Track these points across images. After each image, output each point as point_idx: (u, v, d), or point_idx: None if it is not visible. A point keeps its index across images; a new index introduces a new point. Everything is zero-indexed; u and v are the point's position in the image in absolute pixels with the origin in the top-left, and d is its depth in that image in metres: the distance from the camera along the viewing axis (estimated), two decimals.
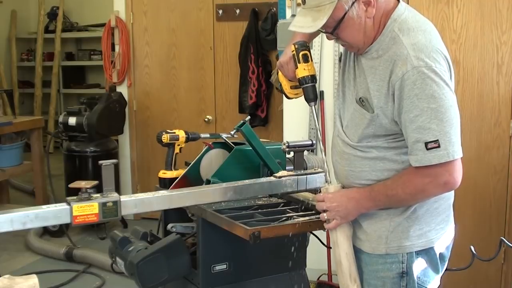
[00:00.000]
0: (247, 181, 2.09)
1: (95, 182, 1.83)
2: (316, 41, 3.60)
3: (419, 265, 1.75)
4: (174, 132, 2.58)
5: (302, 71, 1.87)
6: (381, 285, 1.78)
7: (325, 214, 1.78)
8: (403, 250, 1.75)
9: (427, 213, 1.75)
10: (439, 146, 1.58)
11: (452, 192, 1.81)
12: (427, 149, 1.59)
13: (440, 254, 1.79)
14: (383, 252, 1.77)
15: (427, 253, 1.76)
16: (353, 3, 1.65)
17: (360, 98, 1.75)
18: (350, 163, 1.83)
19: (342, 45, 1.82)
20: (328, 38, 1.80)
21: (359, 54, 1.78)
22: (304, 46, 1.88)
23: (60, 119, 4.82)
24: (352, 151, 1.81)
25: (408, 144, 1.66)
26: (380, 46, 1.71)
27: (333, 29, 1.70)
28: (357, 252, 1.85)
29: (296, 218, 2.00)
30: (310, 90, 1.88)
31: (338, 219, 1.76)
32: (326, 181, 1.90)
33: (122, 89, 5.22)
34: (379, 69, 1.69)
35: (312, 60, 1.89)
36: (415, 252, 1.75)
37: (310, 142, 2.39)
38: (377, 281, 1.79)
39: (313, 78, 1.87)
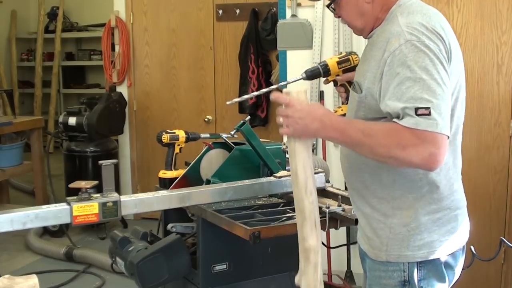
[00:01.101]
0: (247, 181, 2.09)
1: (95, 182, 1.84)
2: (316, 41, 3.60)
3: (422, 274, 1.70)
4: (174, 132, 2.58)
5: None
6: None
7: (281, 118, 1.62)
8: (403, 260, 1.69)
9: (428, 223, 1.68)
10: (429, 114, 1.48)
11: (459, 204, 1.74)
12: (417, 114, 1.48)
13: (446, 262, 1.72)
14: (384, 259, 1.72)
15: (431, 262, 1.70)
16: None
17: (355, 82, 1.74)
18: (348, 158, 1.78)
19: (345, 23, 1.85)
20: (334, 16, 1.85)
21: (366, 39, 1.78)
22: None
23: (60, 119, 4.82)
24: None
25: (390, 113, 1.55)
26: (381, 30, 1.70)
27: (331, 1, 1.78)
28: (362, 255, 1.83)
29: (295, 218, 2.00)
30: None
31: (291, 130, 1.61)
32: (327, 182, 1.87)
33: (122, 89, 5.22)
34: (374, 50, 1.67)
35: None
36: (417, 262, 1.69)
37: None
38: (380, 287, 1.75)
39: None
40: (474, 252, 2.20)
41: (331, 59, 2.14)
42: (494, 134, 3.33)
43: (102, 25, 5.81)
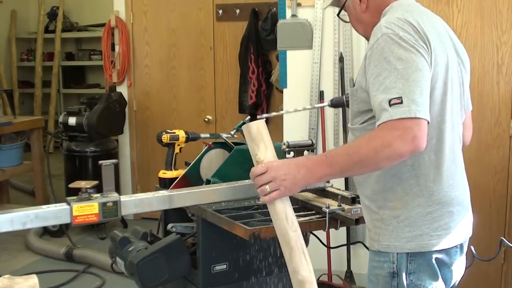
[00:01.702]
0: (247, 181, 2.09)
1: (95, 182, 1.83)
2: (316, 41, 3.60)
3: (411, 268, 1.71)
4: (174, 132, 2.58)
5: None
6: (375, 282, 1.78)
7: (267, 186, 1.58)
8: (392, 250, 1.71)
9: (419, 216, 1.69)
10: (401, 103, 1.53)
11: (452, 200, 1.74)
12: (390, 105, 1.54)
13: (439, 259, 1.72)
14: (376, 248, 1.76)
15: (421, 257, 1.71)
16: None
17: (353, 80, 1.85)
18: None
19: None
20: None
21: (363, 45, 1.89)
22: None
23: (60, 119, 4.82)
24: (351, 137, 1.81)
25: (375, 109, 1.60)
26: None
27: (338, 11, 1.98)
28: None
29: (296, 218, 2.00)
30: None
31: (282, 190, 1.58)
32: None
33: (122, 89, 5.22)
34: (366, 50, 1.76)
35: None
36: (407, 254, 1.70)
37: (310, 142, 2.39)
38: (373, 277, 1.79)
39: None
40: (474, 252, 2.20)
41: None
42: (494, 134, 3.33)
43: (102, 25, 5.81)
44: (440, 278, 1.74)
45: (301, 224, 1.94)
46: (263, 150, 1.63)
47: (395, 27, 1.64)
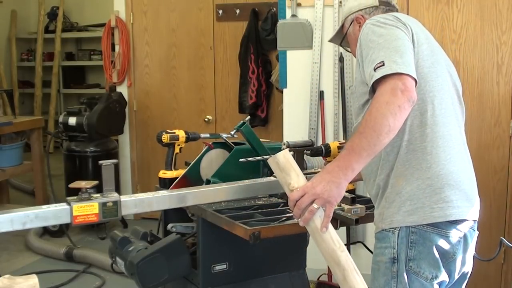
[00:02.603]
0: (247, 181, 2.09)
1: (95, 182, 1.83)
2: (316, 41, 3.60)
3: (411, 254, 1.74)
4: (174, 132, 2.58)
5: None
6: (377, 269, 1.81)
7: (314, 204, 1.60)
8: (394, 224, 1.75)
9: (419, 190, 1.74)
10: (383, 65, 1.66)
11: (451, 173, 1.77)
12: (375, 71, 1.67)
13: (440, 247, 1.73)
14: (380, 228, 1.80)
15: (421, 237, 1.72)
16: (350, 23, 2.11)
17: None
18: None
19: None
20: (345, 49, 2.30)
21: None
22: None
23: (60, 119, 4.82)
24: None
25: (367, 82, 1.73)
26: None
27: (341, 40, 2.23)
28: None
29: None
30: None
31: (332, 200, 1.61)
32: None
33: (122, 89, 5.22)
34: None
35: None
36: (407, 237, 1.73)
37: (310, 142, 2.39)
38: (375, 265, 1.82)
39: None
40: (474, 252, 2.20)
41: (333, 143, 2.44)
42: (494, 134, 3.33)
43: (102, 25, 5.81)
44: (441, 268, 1.75)
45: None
46: (295, 178, 1.65)
47: (376, 17, 1.85)
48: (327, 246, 1.64)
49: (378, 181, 1.84)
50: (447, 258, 1.76)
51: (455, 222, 1.75)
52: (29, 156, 5.33)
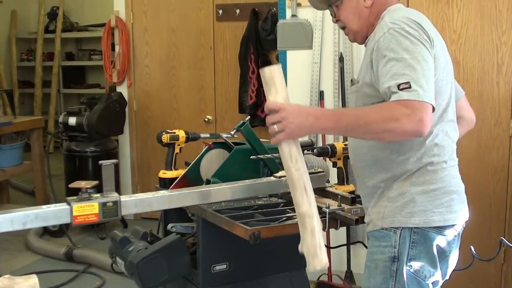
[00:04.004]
0: (247, 181, 2.10)
1: (95, 182, 1.84)
2: (316, 41, 3.61)
3: (412, 254, 1.76)
4: (174, 132, 2.58)
5: None
6: (374, 268, 1.81)
7: (275, 126, 1.67)
8: (396, 224, 1.77)
9: (423, 193, 1.77)
10: (410, 87, 1.61)
11: (453, 181, 1.82)
12: (399, 89, 1.62)
13: (439, 247, 1.78)
14: (379, 226, 1.81)
15: (422, 237, 1.76)
16: None
17: (353, 79, 1.91)
18: (353, 149, 1.92)
19: (341, 28, 2.00)
20: (332, 19, 2.03)
21: (363, 45, 1.94)
22: None
23: (60, 119, 4.81)
24: None
25: (383, 93, 1.68)
26: (372, 35, 1.85)
27: (329, 4, 1.98)
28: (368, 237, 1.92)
29: (296, 218, 2.00)
30: None
31: (287, 131, 1.66)
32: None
33: (122, 89, 5.22)
34: (368, 47, 1.85)
35: None
36: (410, 236, 1.75)
37: (310, 142, 2.39)
38: (371, 263, 1.83)
39: None
40: (474, 252, 2.20)
41: (339, 144, 2.45)
42: (494, 134, 3.33)
43: (102, 25, 5.81)
44: (438, 268, 1.79)
45: None
46: (273, 93, 1.69)
47: (400, 23, 1.73)
48: (285, 162, 1.70)
49: (377, 182, 1.84)
50: (443, 257, 1.81)
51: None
52: (29, 156, 5.33)
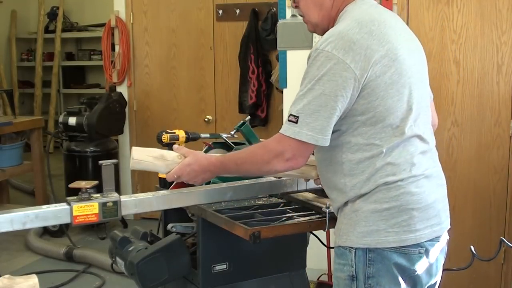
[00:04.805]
0: (247, 181, 2.10)
1: (95, 182, 1.84)
2: (316, 41, 3.60)
3: (370, 272, 1.68)
4: (174, 132, 2.58)
5: None
6: (336, 284, 1.78)
7: (175, 175, 1.90)
8: (349, 243, 1.70)
9: (375, 213, 1.67)
10: (296, 122, 1.63)
11: (412, 198, 1.68)
12: (288, 119, 1.65)
13: (398, 265, 1.68)
14: (336, 244, 1.76)
15: (379, 255, 1.68)
16: None
17: None
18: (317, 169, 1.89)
19: (300, 16, 1.91)
20: (292, 5, 1.92)
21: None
22: None
23: (60, 119, 4.82)
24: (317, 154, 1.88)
25: None
26: None
27: None
28: None
29: (296, 218, 2.00)
30: None
31: (184, 180, 1.91)
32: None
33: (122, 89, 5.22)
34: None
35: None
36: (365, 255, 1.68)
37: None
38: (335, 280, 1.79)
39: None
40: (474, 252, 2.20)
41: None
42: (494, 134, 3.33)
43: (102, 25, 5.82)
44: (402, 284, 1.70)
45: (301, 224, 1.95)
46: (162, 167, 1.94)
47: (326, 42, 1.66)
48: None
49: (338, 204, 1.78)
50: (408, 274, 1.70)
51: None
52: (29, 156, 5.33)
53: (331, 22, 1.80)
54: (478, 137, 3.35)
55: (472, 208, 3.39)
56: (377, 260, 1.68)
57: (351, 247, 1.70)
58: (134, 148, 1.93)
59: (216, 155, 1.92)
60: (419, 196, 1.69)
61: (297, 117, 1.63)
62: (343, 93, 1.62)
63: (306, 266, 2.37)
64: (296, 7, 1.88)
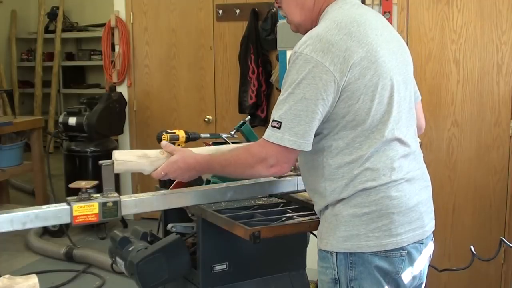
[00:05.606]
0: (247, 181, 2.10)
1: (95, 182, 1.84)
2: None
3: (352, 275, 1.68)
4: (174, 132, 2.57)
5: None
6: (320, 287, 1.78)
7: (163, 173, 1.90)
8: (329, 248, 1.70)
9: (354, 217, 1.67)
10: (279, 128, 1.63)
11: (391, 202, 1.67)
12: (271, 125, 1.64)
13: (380, 268, 1.67)
14: (319, 247, 1.76)
15: (360, 259, 1.67)
16: None
17: None
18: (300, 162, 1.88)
19: (283, 16, 1.92)
20: (275, 5, 1.94)
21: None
22: None
23: (60, 119, 4.81)
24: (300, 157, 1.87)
25: None
26: None
27: None
28: None
29: (296, 218, 2.00)
30: None
31: (171, 177, 1.94)
32: None
33: (122, 89, 5.22)
34: None
35: None
36: (346, 259, 1.68)
37: None
38: (319, 283, 1.79)
39: None
40: (474, 252, 2.20)
41: None
42: (494, 134, 3.33)
43: (102, 25, 5.81)
44: (385, 286, 1.69)
45: (301, 224, 1.95)
46: (148, 167, 1.94)
47: (305, 44, 1.63)
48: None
49: (320, 208, 1.77)
50: (391, 276, 1.69)
51: None
52: (29, 156, 5.33)
53: (314, 22, 1.78)
54: (478, 137, 3.35)
55: (472, 208, 3.39)
56: (358, 263, 1.67)
57: (332, 251, 1.70)
58: (115, 151, 1.96)
59: (203, 154, 1.90)
60: (399, 200, 1.68)
61: (280, 122, 1.62)
62: (324, 96, 1.61)
63: (306, 266, 2.37)
64: (279, 7, 1.88)
